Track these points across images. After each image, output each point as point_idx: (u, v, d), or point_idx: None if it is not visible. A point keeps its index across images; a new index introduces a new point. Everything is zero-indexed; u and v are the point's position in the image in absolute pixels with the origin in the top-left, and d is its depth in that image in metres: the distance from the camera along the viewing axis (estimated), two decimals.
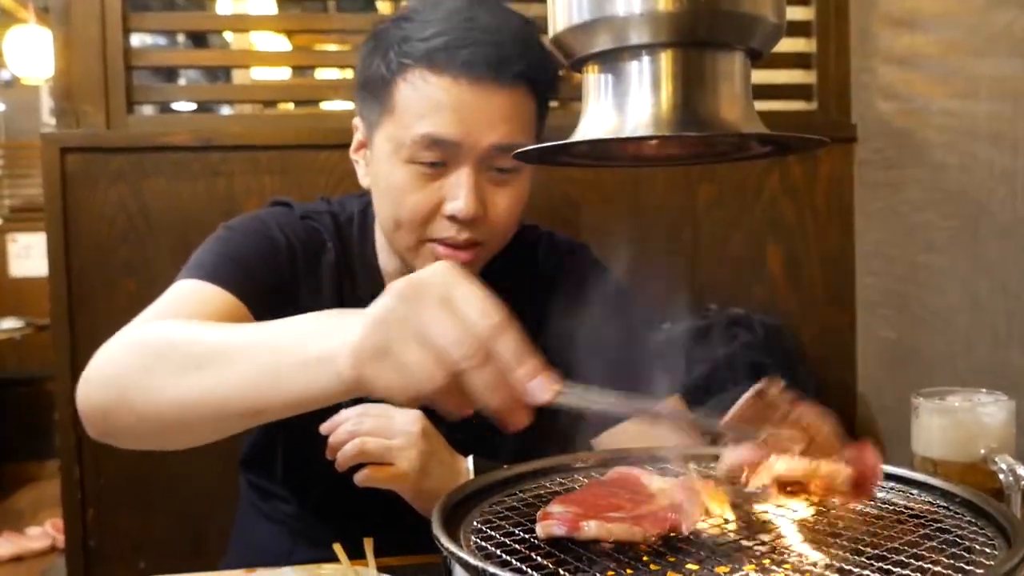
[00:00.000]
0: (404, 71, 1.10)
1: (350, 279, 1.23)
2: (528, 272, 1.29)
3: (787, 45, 2.11)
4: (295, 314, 0.89)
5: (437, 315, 0.67)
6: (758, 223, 2.05)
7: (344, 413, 1.05)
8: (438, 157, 1.10)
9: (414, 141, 1.09)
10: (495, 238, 1.16)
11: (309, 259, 1.20)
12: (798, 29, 2.08)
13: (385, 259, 1.24)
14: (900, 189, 1.95)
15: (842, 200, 2.08)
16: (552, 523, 0.66)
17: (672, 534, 0.67)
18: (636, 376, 1.21)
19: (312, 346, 0.73)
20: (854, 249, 2.09)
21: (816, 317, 2.07)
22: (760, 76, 2.10)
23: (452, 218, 1.11)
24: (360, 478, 1.06)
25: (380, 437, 1.05)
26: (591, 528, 0.65)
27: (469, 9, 1.11)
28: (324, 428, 1.06)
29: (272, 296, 1.12)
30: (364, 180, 1.21)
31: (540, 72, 1.14)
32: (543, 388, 0.68)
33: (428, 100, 1.09)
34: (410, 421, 1.06)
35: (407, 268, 1.16)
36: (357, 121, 1.21)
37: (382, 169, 1.14)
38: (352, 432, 1.04)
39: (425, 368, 0.67)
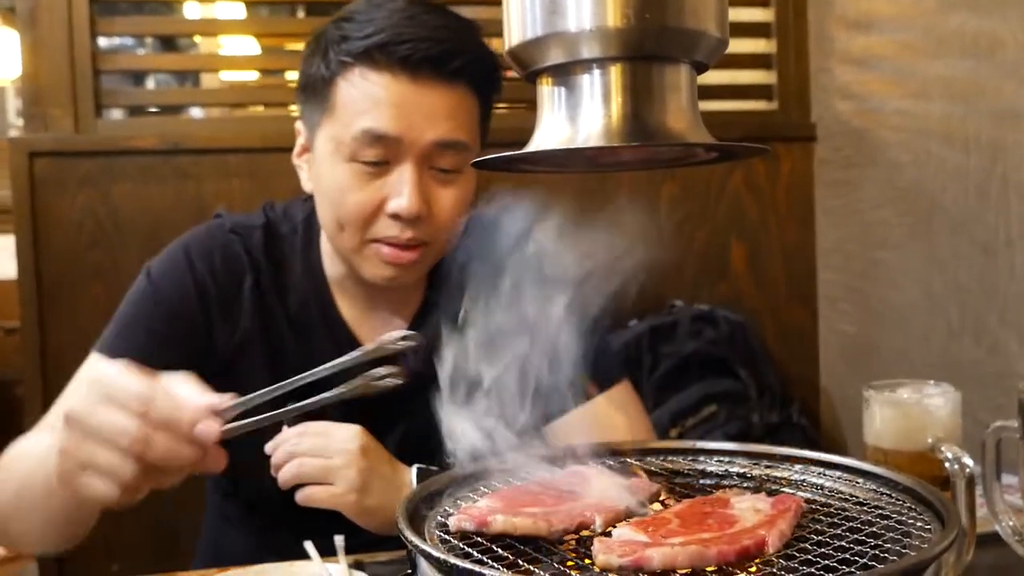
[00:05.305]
0: (344, 70, 1.10)
1: (280, 296, 1.22)
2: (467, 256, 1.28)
3: (748, 46, 2.16)
4: (211, 350, 1.17)
5: (104, 413, 0.79)
6: (721, 221, 2.09)
7: (285, 433, 1.04)
8: (379, 155, 1.09)
9: (354, 138, 1.08)
10: (439, 238, 1.14)
11: (224, 291, 1.20)
12: (758, 30, 2.13)
13: (330, 266, 1.23)
14: (858, 187, 2.00)
15: (803, 198, 2.13)
16: (463, 518, 0.69)
17: (582, 531, 0.70)
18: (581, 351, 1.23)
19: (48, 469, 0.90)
20: (815, 246, 2.14)
21: (779, 313, 2.12)
22: (723, 77, 2.15)
23: (396, 216, 1.10)
24: (301, 498, 1.05)
25: (319, 456, 1.04)
26: (498, 522, 0.68)
27: (409, 8, 1.11)
28: (267, 448, 1.04)
29: (182, 344, 1.17)
30: (307, 185, 1.19)
31: (481, 71, 1.13)
32: (209, 429, 0.79)
33: (368, 97, 1.08)
34: (349, 438, 1.05)
35: (353, 273, 1.17)
36: (299, 125, 1.19)
37: (324, 170, 1.13)
38: (290, 453, 1.03)
39: (115, 463, 0.78)
